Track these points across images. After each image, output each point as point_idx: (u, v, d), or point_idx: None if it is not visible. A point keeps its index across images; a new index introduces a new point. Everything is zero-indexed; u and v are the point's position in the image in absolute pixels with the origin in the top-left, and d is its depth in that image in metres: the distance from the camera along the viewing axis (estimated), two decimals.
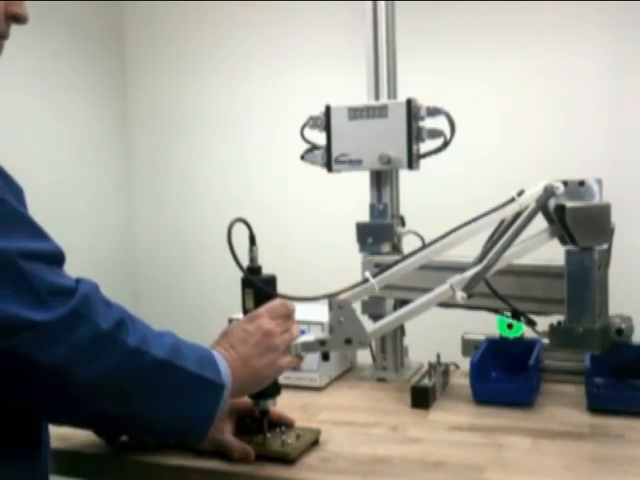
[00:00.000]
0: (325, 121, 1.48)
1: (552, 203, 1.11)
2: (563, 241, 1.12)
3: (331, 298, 1.06)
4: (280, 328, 0.99)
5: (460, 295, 1.04)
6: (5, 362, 0.72)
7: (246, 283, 1.07)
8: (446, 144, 1.43)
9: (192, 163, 2.69)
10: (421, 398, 1.27)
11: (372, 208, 1.49)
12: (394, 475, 1.00)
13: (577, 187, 1.12)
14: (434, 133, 1.44)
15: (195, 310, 2.64)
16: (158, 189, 2.76)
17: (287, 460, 1.02)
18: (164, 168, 2.75)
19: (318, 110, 1.50)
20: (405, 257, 1.11)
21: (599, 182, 1.13)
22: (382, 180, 1.49)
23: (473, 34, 2.27)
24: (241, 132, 2.60)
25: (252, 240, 1.07)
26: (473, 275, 1.06)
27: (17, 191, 0.84)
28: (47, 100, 2.39)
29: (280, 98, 2.53)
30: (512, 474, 0.99)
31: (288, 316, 1.02)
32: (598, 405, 1.20)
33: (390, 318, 1.09)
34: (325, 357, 1.16)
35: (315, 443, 1.09)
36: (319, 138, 1.50)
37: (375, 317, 1.48)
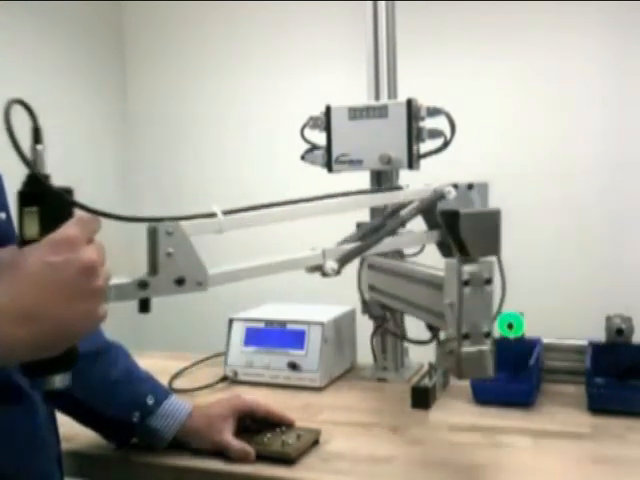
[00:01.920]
0: (325, 121, 1.48)
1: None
2: (445, 252, 1.01)
3: (158, 222, 0.79)
4: (102, 257, 0.68)
5: (330, 265, 0.95)
6: None
7: (27, 198, 0.70)
8: (446, 144, 1.43)
9: (192, 163, 2.69)
10: (421, 398, 1.27)
11: (372, 208, 1.49)
12: (394, 475, 1.00)
13: (466, 191, 1.02)
14: (434, 133, 1.44)
15: (195, 310, 2.64)
16: (158, 189, 2.76)
17: (287, 460, 1.02)
18: (164, 168, 2.75)
19: (318, 110, 1.50)
20: (265, 206, 0.99)
21: (484, 186, 1.03)
22: (382, 180, 1.49)
23: (473, 34, 2.27)
24: (241, 132, 2.60)
25: (36, 135, 0.73)
26: (350, 250, 0.97)
27: None
28: (47, 100, 2.38)
29: (280, 98, 2.53)
30: (512, 474, 0.99)
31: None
32: (598, 405, 1.20)
33: (238, 266, 0.90)
34: (144, 307, 0.81)
35: (315, 443, 1.09)
36: (319, 138, 1.50)
37: (375, 318, 1.48)
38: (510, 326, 1.39)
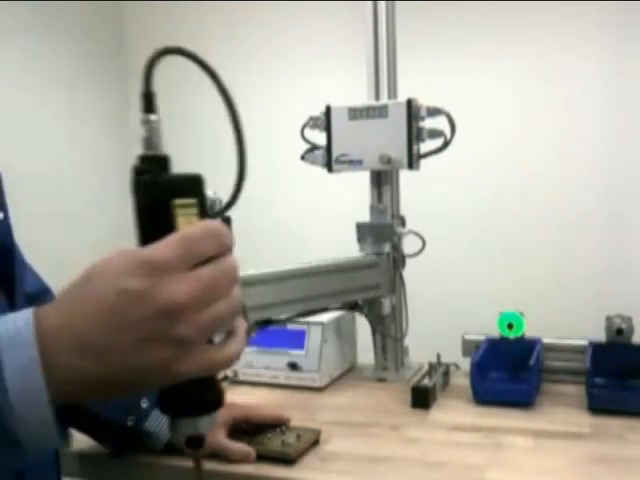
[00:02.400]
0: (325, 121, 1.48)
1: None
2: None
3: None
4: (202, 296, 0.50)
5: None
6: None
7: (184, 186, 0.53)
8: (446, 144, 1.43)
9: (192, 163, 2.69)
10: (421, 398, 1.27)
11: (372, 208, 1.49)
12: (394, 475, 1.00)
13: None
14: (434, 133, 1.44)
15: None
16: None
17: (287, 460, 1.02)
18: None
19: (318, 110, 1.50)
20: None
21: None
22: (382, 180, 1.49)
23: (473, 34, 2.27)
24: None
25: (148, 101, 0.57)
26: None
27: None
28: (47, 100, 2.38)
29: (280, 98, 2.53)
30: (512, 474, 0.99)
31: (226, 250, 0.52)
32: (598, 405, 1.20)
33: None
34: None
35: (315, 443, 1.09)
36: (319, 138, 1.51)
37: (375, 317, 1.48)
38: (510, 326, 1.39)
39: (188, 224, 0.51)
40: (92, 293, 0.49)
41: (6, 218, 0.85)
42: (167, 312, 0.48)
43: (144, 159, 0.54)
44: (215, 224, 0.52)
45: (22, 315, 0.49)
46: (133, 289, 0.48)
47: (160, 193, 0.51)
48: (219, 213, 0.57)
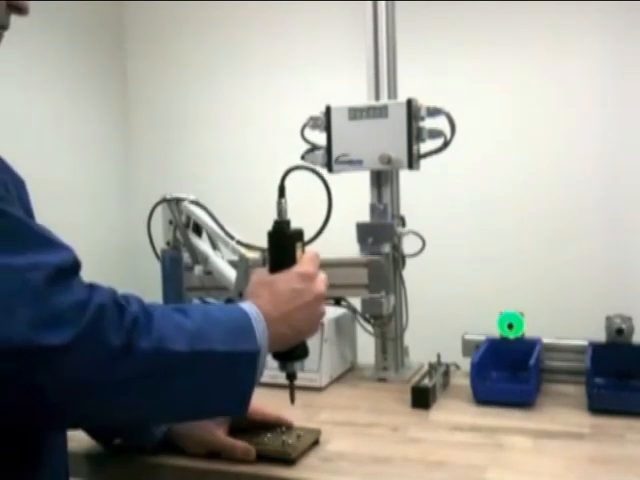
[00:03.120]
0: (325, 121, 1.48)
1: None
2: None
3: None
4: (326, 289, 0.95)
5: None
6: (10, 387, 0.65)
7: (299, 236, 0.99)
8: (446, 144, 1.43)
9: (193, 164, 2.69)
10: (421, 398, 1.27)
11: (372, 208, 1.49)
12: (394, 475, 1.00)
13: None
14: (434, 133, 1.44)
15: None
16: (159, 190, 2.76)
17: (287, 460, 1.02)
18: (165, 168, 2.75)
19: (318, 110, 1.50)
20: None
21: None
22: (382, 180, 1.50)
23: (474, 34, 2.27)
24: (241, 132, 2.60)
25: (281, 191, 1.01)
26: None
27: (19, 184, 0.82)
28: (47, 101, 2.38)
29: (280, 98, 2.53)
30: (512, 474, 0.99)
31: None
32: (599, 405, 1.20)
33: None
34: None
35: (315, 443, 1.09)
36: (319, 138, 1.51)
37: (375, 317, 1.48)
38: (510, 326, 1.40)
39: (302, 254, 0.96)
40: (279, 291, 0.91)
41: None
42: (318, 298, 0.93)
43: (278, 222, 0.98)
44: (316, 252, 0.97)
45: (247, 303, 0.87)
46: (300, 288, 0.91)
47: (292, 240, 0.96)
48: (305, 244, 1.00)
